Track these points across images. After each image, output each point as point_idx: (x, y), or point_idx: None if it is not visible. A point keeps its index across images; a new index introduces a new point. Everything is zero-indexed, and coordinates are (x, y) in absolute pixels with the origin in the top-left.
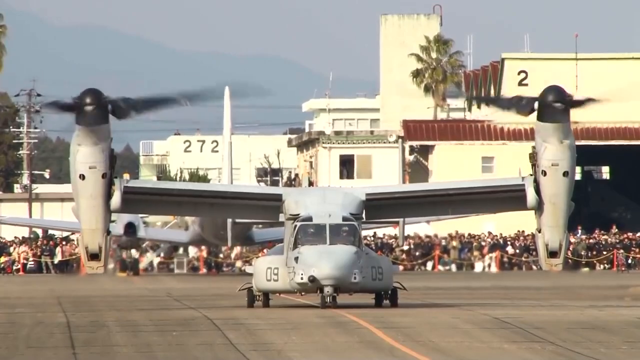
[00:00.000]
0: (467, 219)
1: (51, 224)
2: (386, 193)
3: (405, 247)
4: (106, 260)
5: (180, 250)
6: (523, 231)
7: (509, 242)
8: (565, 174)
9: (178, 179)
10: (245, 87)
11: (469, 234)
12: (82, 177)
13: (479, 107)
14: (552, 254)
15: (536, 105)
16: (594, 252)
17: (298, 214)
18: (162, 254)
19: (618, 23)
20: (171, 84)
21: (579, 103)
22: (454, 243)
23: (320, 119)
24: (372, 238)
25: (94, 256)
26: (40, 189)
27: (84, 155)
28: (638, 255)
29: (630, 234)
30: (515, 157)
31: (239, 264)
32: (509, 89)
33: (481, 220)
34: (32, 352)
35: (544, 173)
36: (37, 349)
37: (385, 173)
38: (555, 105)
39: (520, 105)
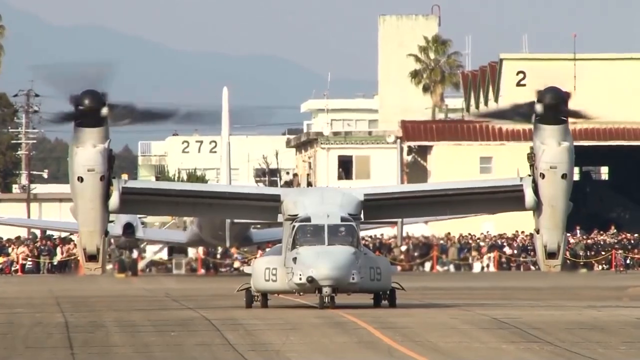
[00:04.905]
0: (466, 219)
1: (49, 224)
2: (384, 193)
3: (404, 248)
4: (104, 262)
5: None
6: (523, 231)
7: (505, 243)
8: (563, 176)
9: (176, 179)
10: (250, 113)
11: (468, 234)
12: (81, 179)
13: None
14: (551, 255)
15: (538, 108)
16: (592, 253)
17: (296, 215)
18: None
19: (617, 23)
20: (171, 84)
21: (575, 114)
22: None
23: (319, 119)
24: (371, 238)
25: (91, 257)
26: (38, 189)
27: (83, 158)
28: (636, 256)
29: (628, 234)
30: (514, 158)
31: (237, 264)
32: (507, 89)
33: (479, 220)
34: (31, 352)
35: (542, 175)
36: (36, 349)
37: (383, 173)
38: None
39: (520, 113)
